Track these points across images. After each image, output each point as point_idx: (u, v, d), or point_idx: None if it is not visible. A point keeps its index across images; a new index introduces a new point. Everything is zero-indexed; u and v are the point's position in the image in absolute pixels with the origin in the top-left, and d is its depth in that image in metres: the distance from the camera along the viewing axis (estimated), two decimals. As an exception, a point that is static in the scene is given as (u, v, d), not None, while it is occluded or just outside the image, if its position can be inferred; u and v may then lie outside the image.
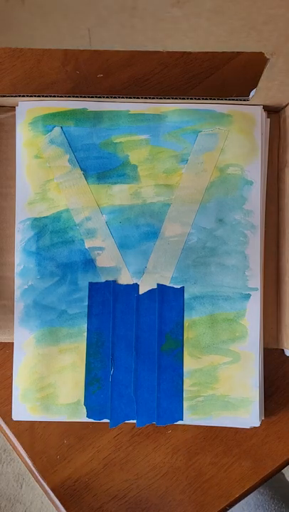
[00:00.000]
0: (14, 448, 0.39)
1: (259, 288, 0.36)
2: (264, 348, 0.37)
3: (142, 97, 0.36)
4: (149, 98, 0.36)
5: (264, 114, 0.36)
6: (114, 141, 0.37)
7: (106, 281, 0.36)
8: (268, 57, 0.27)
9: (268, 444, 0.38)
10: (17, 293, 0.36)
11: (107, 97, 0.36)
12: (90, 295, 0.36)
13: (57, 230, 0.36)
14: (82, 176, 0.37)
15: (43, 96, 0.36)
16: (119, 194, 0.36)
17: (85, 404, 0.36)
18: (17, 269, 0.36)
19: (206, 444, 0.38)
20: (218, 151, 0.36)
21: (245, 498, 0.57)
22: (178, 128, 0.37)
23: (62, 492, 0.38)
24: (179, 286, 0.36)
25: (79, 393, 0.36)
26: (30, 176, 0.36)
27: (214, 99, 0.36)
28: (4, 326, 0.37)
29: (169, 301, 0.36)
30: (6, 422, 0.38)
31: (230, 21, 0.23)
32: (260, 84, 0.32)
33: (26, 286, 0.36)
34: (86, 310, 0.36)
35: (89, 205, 0.36)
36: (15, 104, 0.37)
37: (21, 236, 0.36)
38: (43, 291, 0.36)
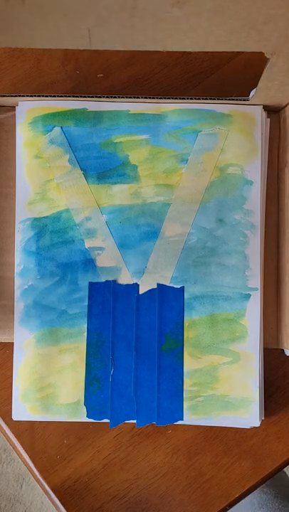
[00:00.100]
0: (14, 448, 0.39)
1: (259, 288, 0.36)
2: (264, 348, 0.37)
3: (142, 97, 0.36)
4: (149, 98, 0.36)
5: (264, 114, 0.36)
6: (114, 141, 0.37)
7: (106, 281, 0.36)
8: (268, 57, 0.27)
9: (268, 444, 0.38)
10: (17, 293, 0.36)
11: (107, 97, 0.36)
12: (90, 295, 0.36)
13: (57, 230, 0.36)
14: (82, 175, 0.37)
15: (43, 96, 0.36)
16: (119, 194, 0.36)
17: (85, 404, 0.36)
18: (17, 269, 0.36)
19: (206, 444, 0.38)
20: (218, 151, 0.36)
21: (249, 498, 0.57)
22: (178, 128, 0.37)
23: (62, 492, 0.38)
24: (179, 286, 0.36)
25: (79, 393, 0.36)
26: (30, 175, 0.36)
27: (214, 99, 0.36)
28: (4, 326, 0.37)
29: (169, 301, 0.36)
30: (6, 422, 0.38)
31: (230, 21, 0.23)
32: (260, 84, 0.32)
33: (26, 286, 0.36)
34: (86, 310, 0.36)
35: (89, 205, 0.36)
36: (15, 104, 0.37)
37: (21, 236, 0.36)
38: (43, 291, 0.36)
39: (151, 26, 0.23)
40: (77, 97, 0.36)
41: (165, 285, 0.36)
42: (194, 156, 0.36)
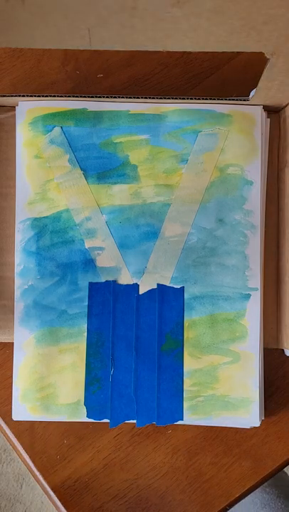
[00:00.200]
0: (14, 448, 0.39)
1: (259, 288, 0.36)
2: (264, 348, 0.37)
3: (142, 97, 0.36)
4: (149, 98, 0.36)
5: (264, 114, 0.36)
6: (114, 141, 0.37)
7: (106, 281, 0.36)
8: (268, 57, 0.27)
9: (267, 444, 0.38)
10: (17, 293, 0.36)
11: (107, 97, 0.36)
12: (90, 295, 0.36)
13: (57, 230, 0.36)
14: (82, 175, 0.37)
15: (43, 96, 0.36)
16: (119, 194, 0.36)
17: (85, 404, 0.36)
18: (17, 269, 0.36)
19: (206, 444, 0.38)
20: (218, 151, 0.36)
21: (251, 497, 0.57)
22: (178, 128, 0.37)
23: (63, 492, 0.38)
24: (179, 286, 0.36)
25: (79, 393, 0.36)
26: (30, 176, 0.36)
27: (214, 99, 0.36)
28: (4, 326, 0.37)
29: (169, 301, 0.36)
30: (6, 422, 0.38)
31: (230, 21, 0.23)
32: (260, 84, 0.32)
33: (26, 286, 0.36)
34: (86, 310, 0.36)
35: (89, 205, 0.36)
36: (15, 104, 0.37)
37: (21, 236, 0.36)
38: (43, 291, 0.36)
39: (151, 26, 0.23)
40: (77, 97, 0.36)
41: (165, 285, 0.36)
42: (194, 156, 0.36)
